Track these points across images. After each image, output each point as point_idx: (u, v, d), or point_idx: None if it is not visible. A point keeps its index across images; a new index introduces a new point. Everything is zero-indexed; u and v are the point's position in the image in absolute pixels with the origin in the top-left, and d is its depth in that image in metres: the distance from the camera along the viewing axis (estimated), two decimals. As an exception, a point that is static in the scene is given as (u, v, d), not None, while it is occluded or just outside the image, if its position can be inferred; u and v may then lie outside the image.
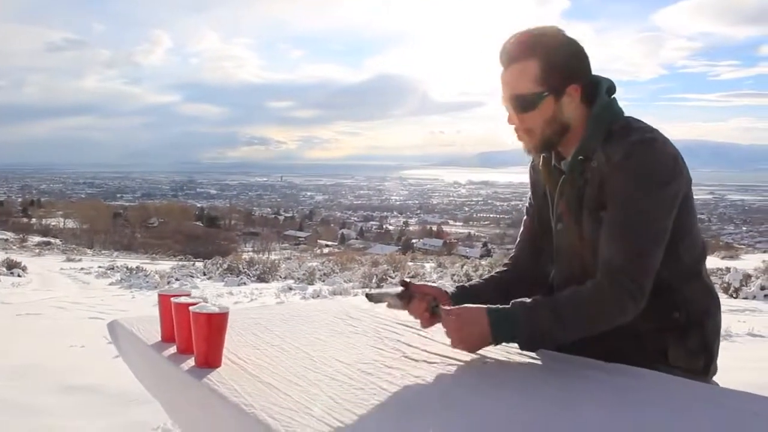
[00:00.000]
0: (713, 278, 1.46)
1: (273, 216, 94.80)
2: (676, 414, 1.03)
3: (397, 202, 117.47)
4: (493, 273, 1.70)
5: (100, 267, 17.46)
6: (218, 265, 15.17)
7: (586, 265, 1.41)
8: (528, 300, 1.34)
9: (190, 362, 1.28)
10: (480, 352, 1.36)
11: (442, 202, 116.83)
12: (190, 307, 1.25)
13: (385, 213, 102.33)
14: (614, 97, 1.45)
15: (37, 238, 46.73)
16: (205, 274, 14.70)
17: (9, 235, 47.24)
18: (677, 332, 1.40)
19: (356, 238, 77.10)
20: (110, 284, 12.91)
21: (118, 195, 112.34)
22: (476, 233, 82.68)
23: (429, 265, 16.31)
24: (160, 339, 1.47)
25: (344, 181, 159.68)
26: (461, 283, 1.65)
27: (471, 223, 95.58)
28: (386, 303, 1.48)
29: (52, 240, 46.94)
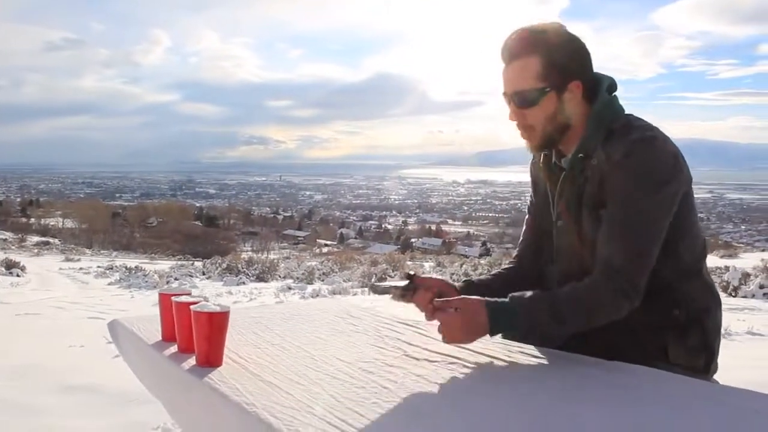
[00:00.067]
0: (712, 277, 1.46)
1: (272, 215, 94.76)
2: (676, 412, 1.03)
3: (396, 202, 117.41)
4: (500, 269, 1.70)
5: (99, 267, 17.45)
6: (217, 265, 15.15)
7: (585, 262, 1.41)
8: (526, 294, 1.35)
9: (191, 361, 1.28)
10: (480, 351, 1.36)
11: (441, 201, 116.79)
12: (192, 306, 1.25)
13: (384, 212, 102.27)
14: (615, 95, 1.46)
15: (35, 238, 46.70)
16: (204, 274, 14.68)
17: (8, 235, 47.18)
18: (677, 330, 1.40)
19: (355, 238, 77.05)
20: (109, 284, 12.90)
21: (117, 195, 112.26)
22: (475, 232, 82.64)
23: (428, 265, 16.32)
24: (160, 338, 1.47)
25: (343, 181, 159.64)
26: (468, 278, 1.65)
27: (470, 222, 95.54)
28: (391, 295, 1.47)
29: (51, 240, 46.92)
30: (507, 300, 1.34)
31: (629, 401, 1.07)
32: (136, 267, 15.99)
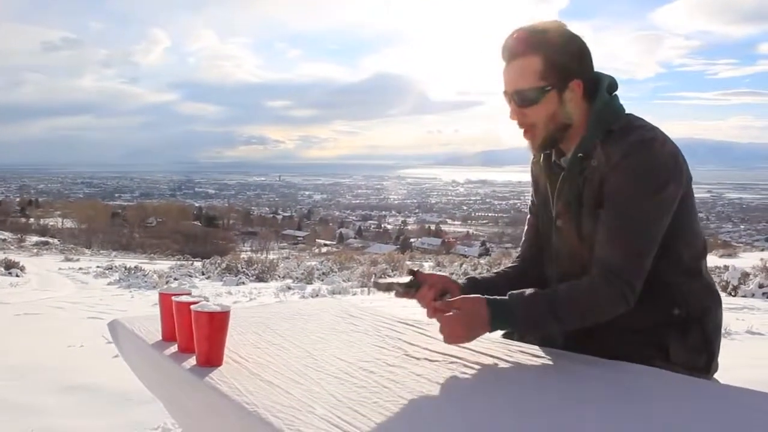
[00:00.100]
0: (712, 276, 1.47)
1: (271, 215, 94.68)
2: (677, 411, 1.03)
3: (396, 202, 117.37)
4: (502, 268, 1.71)
5: (98, 267, 17.46)
6: (217, 265, 15.16)
7: (584, 262, 1.42)
8: (525, 291, 1.36)
9: (192, 361, 1.28)
10: (481, 351, 1.36)
11: (440, 201, 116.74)
12: (192, 306, 1.25)
13: (384, 212, 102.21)
14: (615, 95, 1.46)
15: (35, 238, 46.65)
16: (203, 274, 14.69)
17: (7, 235, 47.12)
18: (677, 329, 1.40)
19: (355, 238, 77.01)
20: (109, 284, 12.90)
21: (116, 195, 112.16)
22: (474, 232, 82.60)
23: (427, 264, 16.33)
24: (160, 338, 1.47)
25: (342, 181, 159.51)
26: (472, 275, 1.65)
27: (469, 222, 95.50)
28: (394, 291, 1.47)
29: (50, 240, 46.85)
30: (506, 297, 1.35)
31: (630, 401, 1.08)
32: (135, 267, 15.99)
